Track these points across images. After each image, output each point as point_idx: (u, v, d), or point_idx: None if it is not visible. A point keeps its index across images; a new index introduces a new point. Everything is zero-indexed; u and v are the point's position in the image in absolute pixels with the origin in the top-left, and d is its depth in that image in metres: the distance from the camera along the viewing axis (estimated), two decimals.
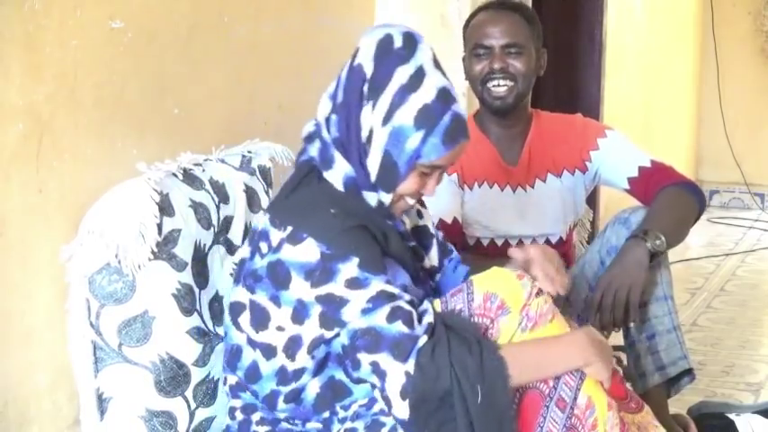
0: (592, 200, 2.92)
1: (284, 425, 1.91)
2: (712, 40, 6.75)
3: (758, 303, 4.52)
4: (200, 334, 1.95)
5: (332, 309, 1.80)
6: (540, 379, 1.86)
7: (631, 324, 2.44)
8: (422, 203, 2.13)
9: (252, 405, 1.93)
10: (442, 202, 2.52)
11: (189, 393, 1.93)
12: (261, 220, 1.90)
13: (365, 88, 1.85)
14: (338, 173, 1.88)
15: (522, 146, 2.67)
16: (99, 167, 2.12)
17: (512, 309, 1.87)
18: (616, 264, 2.43)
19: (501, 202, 2.63)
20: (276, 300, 1.84)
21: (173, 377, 1.91)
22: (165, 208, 1.92)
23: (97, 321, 1.87)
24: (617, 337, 2.60)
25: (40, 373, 2.04)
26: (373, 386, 1.83)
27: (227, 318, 1.94)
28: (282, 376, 1.87)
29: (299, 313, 1.82)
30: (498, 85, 2.56)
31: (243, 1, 2.60)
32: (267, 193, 2.20)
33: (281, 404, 1.89)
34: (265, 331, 1.86)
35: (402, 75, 1.85)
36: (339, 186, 1.88)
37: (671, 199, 2.55)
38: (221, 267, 2.04)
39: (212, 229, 2.02)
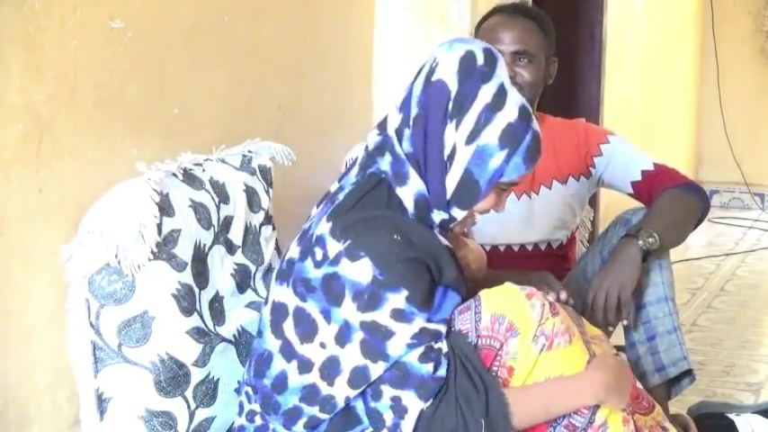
0: (592, 200, 2.91)
1: None
2: (712, 40, 6.75)
3: (758, 303, 4.52)
4: (200, 334, 1.95)
5: (376, 339, 1.79)
6: (549, 419, 1.87)
7: (624, 322, 2.44)
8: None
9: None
10: None
11: (189, 393, 1.93)
12: (322, 227, 1.86)
13: (449, 106, 1.84)
14: (411, 190, 1.86)
15: None
16: (99, 167, 2.12)
17: (521, 330, 1.87)
18: (608, 263, 2.44)
19: (507, 208, 2.62)
20: (327, 315, 1.83)
21: (173, 377, 1.90)
22: (165, 208, 1.91)
23: (97, 321, 1.87)
24: (618, 337, 2.60)
25: (40, 373, 2.04)
26: (377, 424, 1.82)
27: (266, 317, 1.92)
28: (309, 394, 1.85)
29: (343, 335, 1.81)
30: None
31: (243, 1, 2.60)
32: (267, 192, 2.20)
33: (299, 426, 1.88)
34: (310, 344, 1.85)
35: (486, 93, 1.84)
36: (410, 204, 1.86)
37: (670, 200, 2.55)
38: (221, 267, 2.04)
39: (212, 229, 2.02)
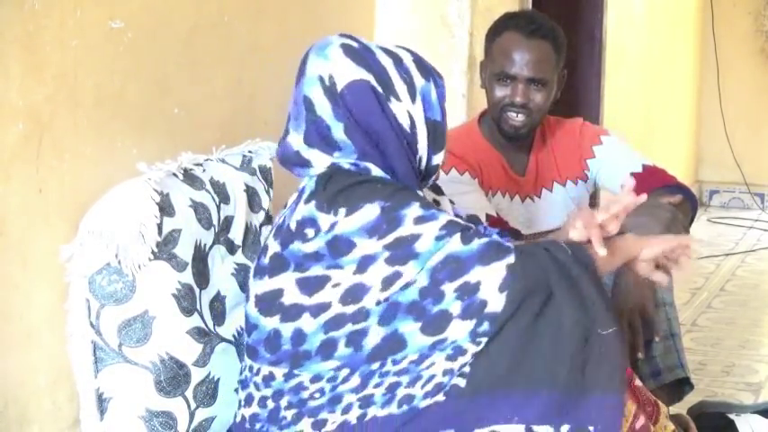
0: (592, 200, 2.92)
1: (311, 403, 1.88)
2: (712, 39, 6.76)
3: (758, 303, 4.53)
4: (201, 334, 1.95)
5: (403, 248, 1.80)
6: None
7: (656, 339, 2.42)
8: (438, 191, 2.13)
9: (280, 391, 1.91)
10: (470, 199, 2.52)
11: (189, 393, 1.93)
12: (302, 211, 1.87)
13: (378, 91, 1.88)
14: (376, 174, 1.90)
15: (529, 155, 2.66)
16: (99, 167, 2.12)
17: None
18: (615, 290, 2.42)
19: (511, 211, 2.62)
20: (336, 266, 1.83)
21: (173, 377, 1.90)
22: (166, 208, 1.92)
23: (97, 321, 1.87)
24: None
25: (40, 374, 2.04)
26: (440, 323, 1.80)
27: (252, 313, 1.91)
28: (335, 323, 1.84)
29: (364, 265, 1.81)
30: (515, 117, 2.54)
31: (243, 1, 2.60)
32: (268, 192, 2.20)
33: (340, 349, 1.85)
34: (321, 291, 1.84)
35: (383, 58, 1.91)
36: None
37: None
38: (222, 267, 2.04)
39: (213, 229, 2.02)
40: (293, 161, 1.95)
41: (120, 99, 2.18)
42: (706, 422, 2.74)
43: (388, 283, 1.81)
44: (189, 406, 1.94)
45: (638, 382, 2.10)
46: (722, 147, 6.78)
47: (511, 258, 1.79)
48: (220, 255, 2.04)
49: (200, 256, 1.98)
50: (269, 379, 1.93)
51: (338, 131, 1.89)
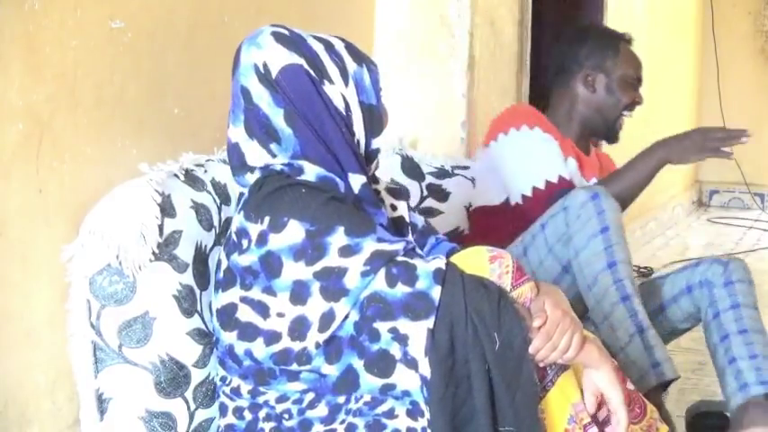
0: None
1: (285, 423, 1.90)
2: (712, 39, 6.76)
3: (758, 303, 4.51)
4: (201, 335, 1.95)
5: (332, 281, 1.78)
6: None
7: None
8: (396, 195, 2.12)
9: (257, 405, 1.92)
10: (551, 158, 2.79)
11: (189, 394, 1.93)
12: (236, 222, 1.88)
13: (312, 75, 1.88)
14: (310, 175, 1.87)
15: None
16: (99, 167, 2.12)
17: None
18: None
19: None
20: (269, 290, 1.82)
21: (173, 378, 1.90)
22: (167, 209, 1.91)
23: (98, 322, 1.87)
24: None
25: (39, 374, 2.04)
26: (388, 364, 1.79)
27: (215, 323, 1.92)
28: (282, 358, 1.84)
29: (299, 294, 1.80)
30: (629, 117, 3.00)
31: (243, 1, 2.60)
32: None
33: (305, 372, 1.85)
34: (270, 319, 1.84)
35: (316, 44, 1.91)
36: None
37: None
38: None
39: (213, 230, 2.02)
40: (233, 158, 1.93)
41: (120, 99, 2.18)
42: (706, 421, 2.74)
43: (325, 322, 1.80)
44: (189, 407, 1.94)
45: (629, 386, 2.10)
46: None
47: (431, 322, 1.77)
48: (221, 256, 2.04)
49: (201, 258, 1.98)
50: (237, 392, 1.93)
51: (278, 119, 1.88)
